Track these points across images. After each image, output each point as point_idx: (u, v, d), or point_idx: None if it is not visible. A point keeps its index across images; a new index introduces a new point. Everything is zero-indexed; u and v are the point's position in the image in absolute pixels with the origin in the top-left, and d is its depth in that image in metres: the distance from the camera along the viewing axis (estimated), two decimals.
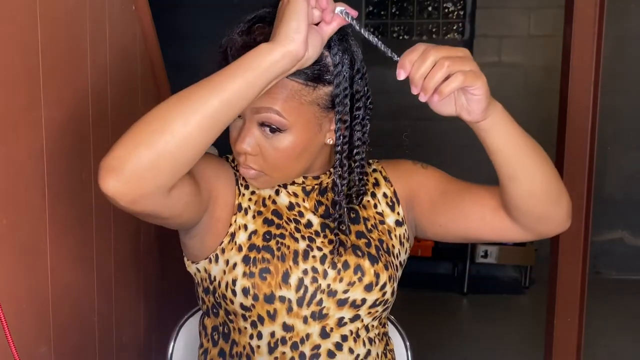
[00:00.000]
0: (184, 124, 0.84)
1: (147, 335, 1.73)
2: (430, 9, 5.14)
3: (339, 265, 1.06)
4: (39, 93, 1.07)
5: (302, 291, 1.05)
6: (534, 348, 2.46)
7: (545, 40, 4.53)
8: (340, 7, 0.92)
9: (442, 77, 0.85)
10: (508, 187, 1.00)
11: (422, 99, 0.88)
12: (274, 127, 0.98)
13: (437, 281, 4.41)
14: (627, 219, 4.56)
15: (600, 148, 1.90)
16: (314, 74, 0.97)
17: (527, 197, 1.00)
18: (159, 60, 1.80)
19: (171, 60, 2.04)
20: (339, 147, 1.03)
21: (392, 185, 1.16)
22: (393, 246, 1.13)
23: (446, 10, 5.13)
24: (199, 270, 1.11)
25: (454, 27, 5.12)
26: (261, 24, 0.97)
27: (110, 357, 1.44)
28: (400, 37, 5.13)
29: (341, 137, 1.02)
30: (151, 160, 0.83)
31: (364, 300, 1.07)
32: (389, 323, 1.28)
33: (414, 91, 0.88)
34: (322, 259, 1.06)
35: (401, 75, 0.89)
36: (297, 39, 0.86)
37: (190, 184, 0.95)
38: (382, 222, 1.14)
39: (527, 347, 3.06)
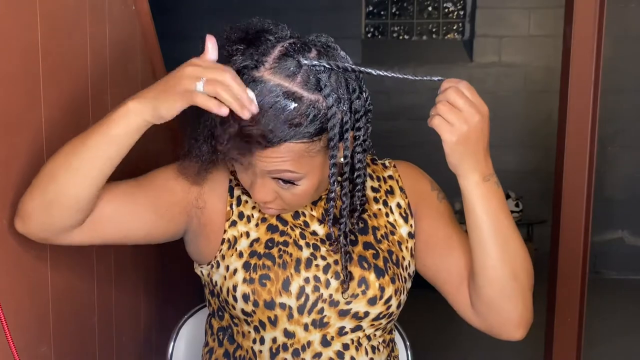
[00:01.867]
0: (62, 179, 0.92)
1: (147, 335, 1.73)
2: (430, 9, 5.14)
3: (343, 276, 1.04)
4: (39, 93, 1.07)
5: (303, 299, 1.04)
6: (534, 348, 2.46)
7: (545, 40, 4.54)
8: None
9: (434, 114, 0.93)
10: (472, 251, 1.02)
11: None
12: (287, 180, 0.96)
13: None
14: (627, 219, 4.56)
15: (600, 148, 1.90)
16: (316, 129, 0.92)
17: (482, 271, 1.00)
18: (159, 60, 1.79)
19: (171, 60, 2.03)
20: (332, 178, 0.97)
21: (407, 197, 1.14)
22: (403, 258, 1.10)
23: (446, 10, 5.13)
24: (202, 274, 1.12)
25: (454, 27, 5.13)
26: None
27: (110, 357, 1.44)
28: (400, 37, 5.14)
29: (334, 177, 0.97)
30: (41, 207, 0.93)
31: (366, 313, 1.05)
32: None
33: None
34: (326, 268, 1.05)
35: None
36: (178, 104, 0.87)
37: (115, 208, 1.00)
38: (393, 233, 1.11)
39: (527, 347, 3.06)
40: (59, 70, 1.15)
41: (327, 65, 0.91)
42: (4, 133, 0.98)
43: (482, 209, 0.97)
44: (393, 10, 5.14)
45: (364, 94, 0.98)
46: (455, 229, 1.11)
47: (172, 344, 1.34)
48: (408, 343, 1.34)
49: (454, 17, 5.13)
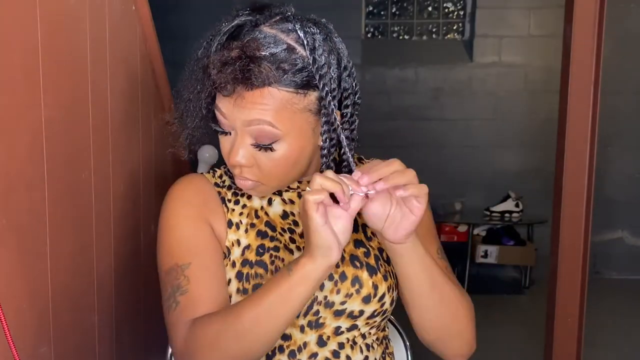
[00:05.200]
0: (250, 354, 0.95)
1: (147, 335, 1.73)
2: (430, 9, 5.14)
3: (336, 277, 1.04)
4: (39, 93, 1.07)
5: None
6: (534, 348, 2.46)
7: (545, 40, 4.54)
8: (361, 191, 0.89)
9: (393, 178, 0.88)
10: (407, 307, 1.05)
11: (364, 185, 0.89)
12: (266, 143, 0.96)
13: None
14: (627, 219, 4.57)
15: (600, 148, 1.90)
16: (303, 81, 0.94)
17: (421, 322, 1.04)
18: (159, 60, 1.79)
19: (171, 60, 2.04)
20: (326, 150, 0.99)
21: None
22: None
23: (446, 10, 5.13)
24: None
25: (454, 27, 5.13)
26: (237, 41, 0.94)
27: (110, 357, 1.44)
28: (400, 37, 5.13)
29: (327, 139, 0.99)
30: None
31: (361, 312, 1.05)
32: (389, 324, 1.27)
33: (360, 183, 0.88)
34: None
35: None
36: (334, 251, 0.87)
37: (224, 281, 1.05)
38: None
39: (527, 347, 3.06)
40: (59, 70, 1.15)
41: (320, 33, 0.96)
42: (4, 133, 0.98)
43: (421, 267, 0.98)
44: (393, 10, 5.14)
45: (354, 79, 1.01)
46: (427, 237, 1.11)
47: None
48: (408, 343, 1.34)
49: (454, 17, 5.13)
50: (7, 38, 0.97)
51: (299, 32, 0.95)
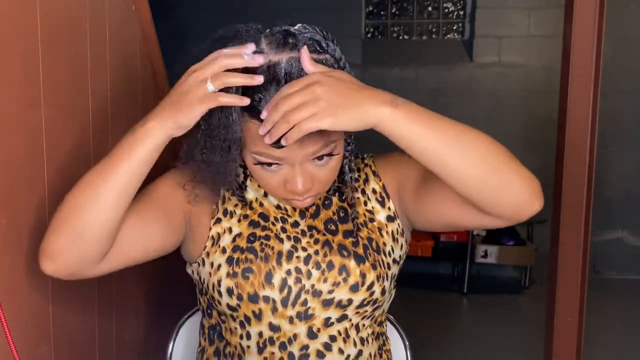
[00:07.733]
0: (91, 209, 0.92)
1: (147, 335, 1.73)
2: (430, 9, 5.14)
3: (324, 266, 1.06)
4: (39, 93, 1.07)
5: (285, 291, 1.05)
6: (534, 348, 2.46)
7: (545, 40, 4.53)
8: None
9: (286, 130, 0.86)
10: (440, 176, 0.93)
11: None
12: (324, 154, 0.97)
13: (437, 281, 4.41)
14: (627, 219, 4.56)
15: (600, 148, 1.90)
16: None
17: (461, 183, 0.92)
18: (159, 60, 1.79)
19: (171, 60, 2.04)
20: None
21: (380, 180, 1.14)
22: (384, 244, 1.10)
23: (446, 10, 5.13)
24: (192, 273, 1.13)
25: (454, 27, 5.12)
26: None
27: (110, 357, 1.44)
28: (400, 37, 5.13)
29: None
30: (70, 242, 0.93)
31: (350, 301, 1.06)
32: (387, 323, 1.27)
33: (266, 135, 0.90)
34: (306, 260, 1.06)
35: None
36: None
37: (130, 230, 1.00)
38: (372, 220, 1.12)
39: (527, 347, 3.06)
40: (59, 70, 1.15)
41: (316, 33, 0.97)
42: (4, 133, 0.98)
43: (416, 132, 0.88)
44: (393, 10, 5.14)
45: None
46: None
47: (171, 344, 1.34)
48: (407, 343, 1.34)
49: (454, 17, 5.13)
50: (7, 38, 0.97)
51: (301, 42, 0.93)
